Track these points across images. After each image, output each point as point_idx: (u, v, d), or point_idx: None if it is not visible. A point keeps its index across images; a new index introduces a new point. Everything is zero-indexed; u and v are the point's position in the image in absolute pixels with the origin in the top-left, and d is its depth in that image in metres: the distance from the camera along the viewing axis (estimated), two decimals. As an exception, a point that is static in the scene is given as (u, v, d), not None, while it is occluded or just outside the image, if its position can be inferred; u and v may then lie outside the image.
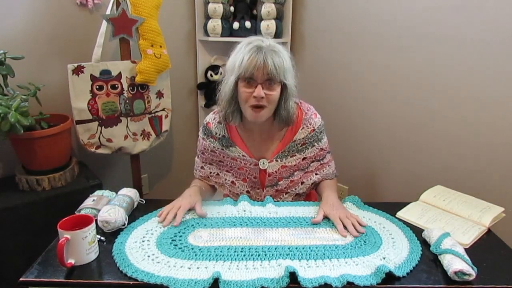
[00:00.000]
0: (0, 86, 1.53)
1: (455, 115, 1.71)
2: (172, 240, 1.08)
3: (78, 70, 1.69)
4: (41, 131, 1.56)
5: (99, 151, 1.82)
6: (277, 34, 2.19)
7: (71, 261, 0.96)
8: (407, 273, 0.95)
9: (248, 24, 2.17)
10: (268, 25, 2.16)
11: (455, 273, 0.91)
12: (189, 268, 0.96)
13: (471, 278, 0.92)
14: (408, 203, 1.29)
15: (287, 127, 1.31)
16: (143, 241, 1.07)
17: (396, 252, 1.03)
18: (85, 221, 0.99)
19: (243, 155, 1.34)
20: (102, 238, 1.08)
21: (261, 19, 2.19)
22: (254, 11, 2.26)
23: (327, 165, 1.40)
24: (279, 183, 1.36)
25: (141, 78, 1.81)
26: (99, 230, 1.10)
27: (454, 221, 1.18)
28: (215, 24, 2.16)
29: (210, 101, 2.33)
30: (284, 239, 1.08)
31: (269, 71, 1.15)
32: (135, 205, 1.26)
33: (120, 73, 1.79)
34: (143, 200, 1.30)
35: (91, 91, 1.73)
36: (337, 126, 2.19)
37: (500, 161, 1.60)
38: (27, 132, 1.48)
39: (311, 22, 2.26)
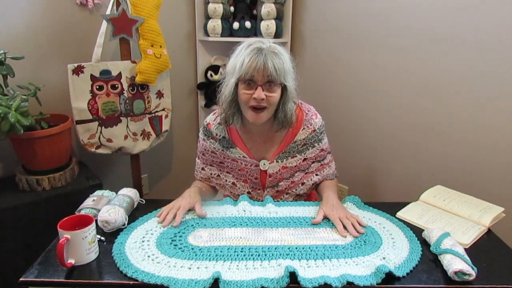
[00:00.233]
0: (0, 86, 1.53)
1: (455, 115, 1.71)
2: (172, 240, 1.08)
3: (78, 70, 1.69)
4: (41, 131, 1.56)
5: (99, 151, 1.82)
6: (277, 34, 2.19)
7: (71, 261, 0.96)
8: (407, 273, 0.95)
9: (248, 24, 2.17)
10: (268, 25, 2.16)
11: (455, 273, 0.91)
12: (189, 268, 0.96)
13: (471, 278, 0.92)
14: (408, 203, 1.29)
15: (286, 129, 1.30)
16: (143, 241, 1.07)
17: (396, 252, 1.03)
18: (85, 221, 0.99)
19: (243, 156, 1.34)
20: (102, 238, 1.08)
21: (261, 19, 2.19)
22: (254, 11, 2.26)
23: (328, 165, 1.40)
24: (279, 184, 1.36)
25: (141, 78, 1.81)
26: (99, 230, 1.10)
27: (454, 221, 1.18)
28: (215, 24, 2.16)
29: (210, 101, 2.33)
30: (284, 239, 1.08)
31: (269, 73, 1.15)
32: (135, 205, 1.26)
33: (120, 73, 1.79)
34: (143, 200, 1.30)
35: (91, 91, 1.73)
36: (337, 126, 2.20)
37: (500, 161, 1.60)
38: (27, 132, 1.48)
39: (311, 22, 2.26)
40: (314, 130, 1.33)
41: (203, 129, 1.39)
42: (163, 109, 1.98)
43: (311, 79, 2.28)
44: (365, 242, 1.07)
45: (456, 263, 0.93)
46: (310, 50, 2.30)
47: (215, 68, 2.30)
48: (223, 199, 1.30)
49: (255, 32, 2.19)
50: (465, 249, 1.02)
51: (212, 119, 1.37)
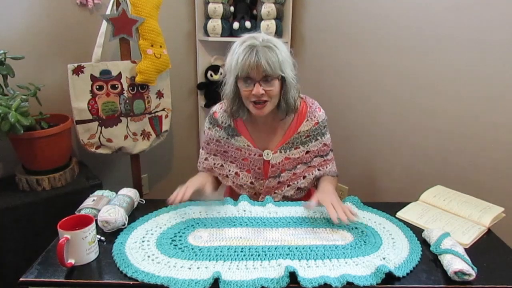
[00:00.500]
0: (0, 86, 1.53)
1: (455, 115, 1.71)
2: (172, 240, 1.08)
3: (78, 70, 1.69)
4: (41, 131, 1.56)
5: (99, 151, 1.82)
6: (277, 34, 2.19)
7: (71, 261, 0.96)
8: (407, 273, 0.95)
9: (248, 24, 2.17)
10: (268, 25, 2.16)
11: (455, 273, 0.91)
12: (189, 268, 0.96)
13: (471, 278, 0.92)
14: (408, 203, 1.29)
15: (290, 116, 1.33)
16: (143, 241, 1.07)
17: (396, 252, 1.03)
18: (85, 221, 0.99)
19: (247, 145, 1.35)
20: (102, 238, 1.08)
21: (261, 19, 2.19)
22: (254, 11, 2.25)
23: (330, 162, 1.42)
24: (281, 174, 1.37)
25: (141, 78, 1.81)
26: (99, 230, 1.10)
27: (454, 221, 1.18)
28: (215, 24, 2.16)
29: (210, 101, 2.32)
30: (284, 239, 1.08)
31: (264, 69, 1.17)
32: (135, 205, 1.26)
33: (120, 73, 1.79)
34: (143, 200, 1.30)
35: (91, 91, 1.73)
36: (337, 126, 2.19)
37: (500, 161, 1.60)
38: (27, 132, 1.48)
39: (311, 22, 2.26)
40: (318, 123, 1.36)
41: (209, 117, 1.41)
42: (163, 109, 1.98)
43: (311, 79, 2.28)
44: (365, 242, 1.07)
45: (456, 263, 0.93)
46: (310, 50, 2.30)
47: (215, 68, 2.30)
48: (223, 199, 1.30)
49: (255, 32, 2.19)
50: (465, 249, 1.02)
51: (218, 108, 1.40)
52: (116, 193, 1.27)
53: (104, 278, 0.95)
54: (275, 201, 1.28)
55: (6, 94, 1.52)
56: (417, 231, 1.13)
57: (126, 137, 1.87)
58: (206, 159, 1.44)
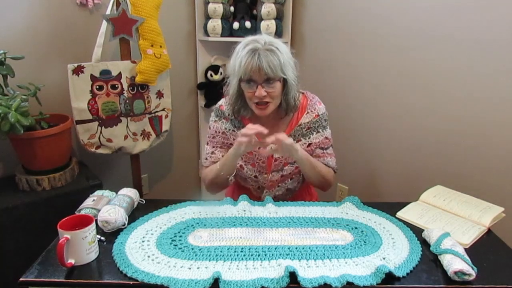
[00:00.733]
0: (0, 86, 1.53)
1: (455, 115, 1.71)
2: (172, 240, 1.08)
3: (78, 70, 1.69)
4: (41, 131, 1.56)
5: (99, 151, 1.82)
6: (277, 34, 2.19)
7: (71, 261, 0.96)
8: (407, 273, 0.95)
9: (248, 24, 2.17)
10: (268, 25, 2.16)
11: (455, 273, 0.91)
12: (189, 268, 0.96)
13: (471, 278, 0.92)
14: (408, 203, 1.29)
15: (291, 113, 1.36)
16: (143, 241, 1.07)
17: (396, 252, 1.03)
18: (85, 221, 1.00)
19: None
20: (102, 238, 1.08)
21: (261, 19, 2.19)
22: (254, 11, 2.26)
23: (331, 156, 1.44)
24: (284, 168, 1.39)
25: (141, 78, 1.81)
26: (99, 230, 1.10)
27: (454, 221, 1.18)
28: (215, 24, 2.16)
29: (210, 101, 2.32)
30: (284, 239, 1.08)
31: (266, 72, 1.21)
32: (135, 205, 1.26)
33: (120, 73, 1.79)
34: (143, 200, 1.30)
35: (91, 91, 1.73)
36: (337, 126, 2.18)
37: (500, 161, 1.60)
38: (27, 132, 1.48)
39: (311, 22, 2.26)
40: (318, 115, 1.39)
41: (215, 111, 1.44)
42: (163, 109, 1.98)
43: (311, 79, 2.27)
44: (365, 242, 1.07)
45: (456, 263, 0.93)
46: (310, 50, 2.30)
47: (215, 68, 2.30)
48: (223, 199, 1.30)
49: (255, 32, 2.18)
50: (465, 249, 1.02)
51: (224, 101, 1.42)
52: (116, 193, 1.27)
53: (104, 278, 0.95)
54: (276, 196, 1.28)
55: (6, 94, 1.52)
56: (417, 231, 1.13)
57: (126, 137, 1.87)
58: (213, 152, 1.44)
